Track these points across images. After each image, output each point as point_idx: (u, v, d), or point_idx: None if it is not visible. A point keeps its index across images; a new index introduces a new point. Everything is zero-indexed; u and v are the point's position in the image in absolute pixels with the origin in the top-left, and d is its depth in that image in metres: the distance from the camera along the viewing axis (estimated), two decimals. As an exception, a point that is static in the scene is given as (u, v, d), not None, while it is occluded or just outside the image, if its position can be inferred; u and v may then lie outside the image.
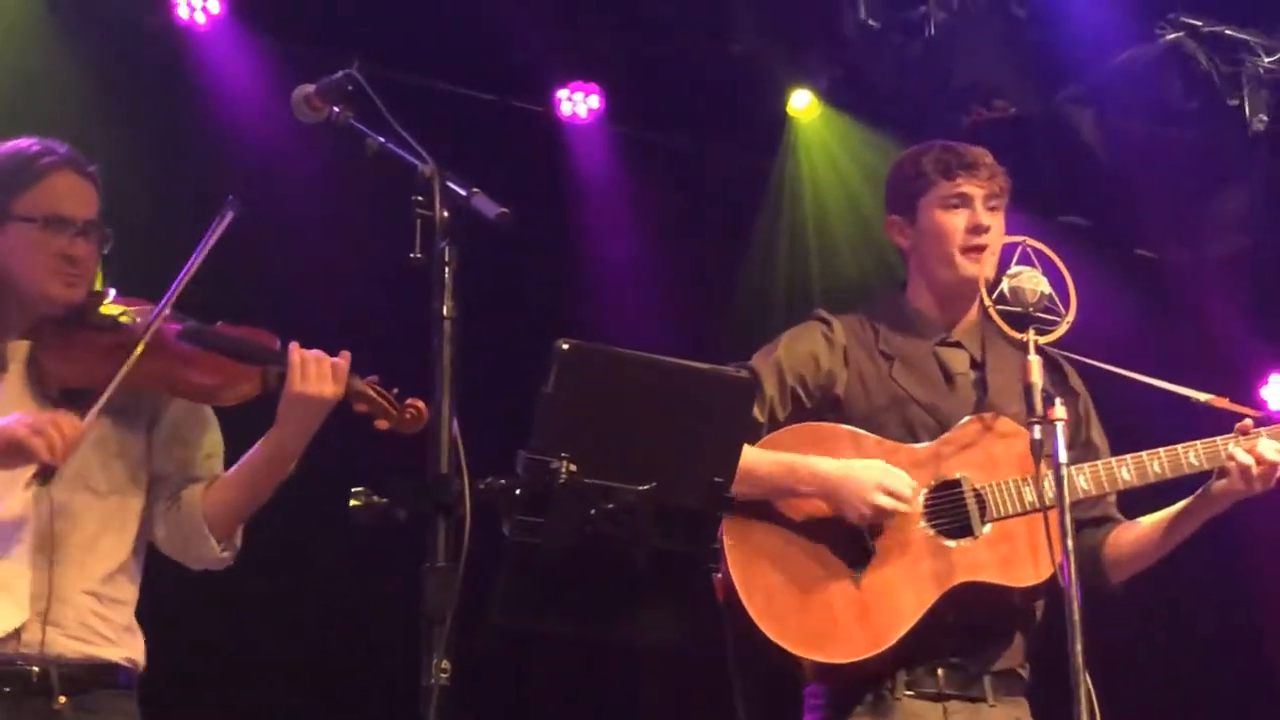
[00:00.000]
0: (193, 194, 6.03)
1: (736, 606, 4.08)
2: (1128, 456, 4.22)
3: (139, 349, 3.71)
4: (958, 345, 4.38)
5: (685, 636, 3.36)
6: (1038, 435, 3.90)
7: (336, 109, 3.52)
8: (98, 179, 3.92)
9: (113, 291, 3.91)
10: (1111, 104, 7.01)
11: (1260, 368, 7.61)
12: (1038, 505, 4.06)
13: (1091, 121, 7.09)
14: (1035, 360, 3.96)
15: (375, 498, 3.07)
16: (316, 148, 5.35)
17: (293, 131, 3.85)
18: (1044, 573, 4.08)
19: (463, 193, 3.24)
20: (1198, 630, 7.47)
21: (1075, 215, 7.45)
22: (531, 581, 3.19)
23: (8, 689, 3.66)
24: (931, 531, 4.14)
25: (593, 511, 3.12)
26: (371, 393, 3.85)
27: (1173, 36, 6.71)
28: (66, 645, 3.73)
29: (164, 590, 4.07)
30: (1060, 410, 3.91)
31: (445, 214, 3.20)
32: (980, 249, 4.28)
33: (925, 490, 4.18)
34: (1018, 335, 4.04)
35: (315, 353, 3.81)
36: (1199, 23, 6.74)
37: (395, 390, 3.86)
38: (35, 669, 3.69)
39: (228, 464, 4.00)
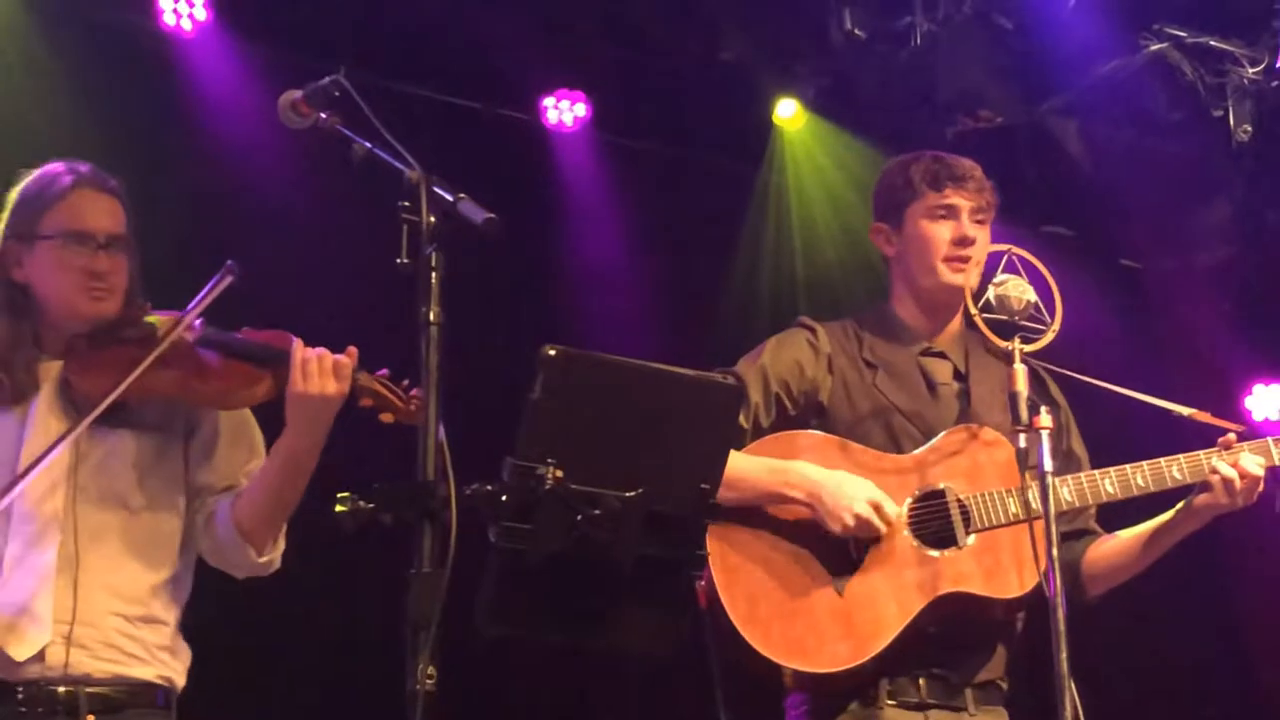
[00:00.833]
0: (180, 200, 6.05)
1: (719, 614, 4.08)
2: (1111, 469, 4.22)
3: (149, 359, 3.69)
4: (941, 355, 4.39)
5: (671, 643, 3.35)
6: (1023, 443, 3.90)
7: (324, 114, 3.52)
8: (121, 194, 3.93)
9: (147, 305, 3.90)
10: (1096, 114, 7.04)
11: (1244, 378, 7.63)
12: (1022, 516, 4.06)
13: (1076, 132, 7.12)
14: (1021, 369, 3.97)
15: (361, 503, 3.07)
16: (303, 154, 5.35)
17: (279, 138, 3.85)
18: (1028, 584, 4.08)
19: (449, 198, 3.24)
20: (1180, 645, 7.48)
21: (1060, 225, 7.48)
22: (517, 588, 3.18)
23: (39, 709, 3.65)
24: (916, 541, 4.15)
25: (579, 517, 3.12)
26: (378, 387, 3.85)
27: (1157, 47, 6.73)
28: (93, 666, 3.70)
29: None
30: (1046, 419, 3.92)
31: (432, 219, 3.20)
32: (963, 260, 4.29)
33: (910, 499, 4.18)
34: (1003, 343, 4.04)
35: (318, 350, 3.81)
36: (1183, 33, 6.76)
37: (405, 382, 3.85)
38: (62, 689, 3.67)
39: None
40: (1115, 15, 6.60)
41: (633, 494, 3.15)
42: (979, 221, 4.34)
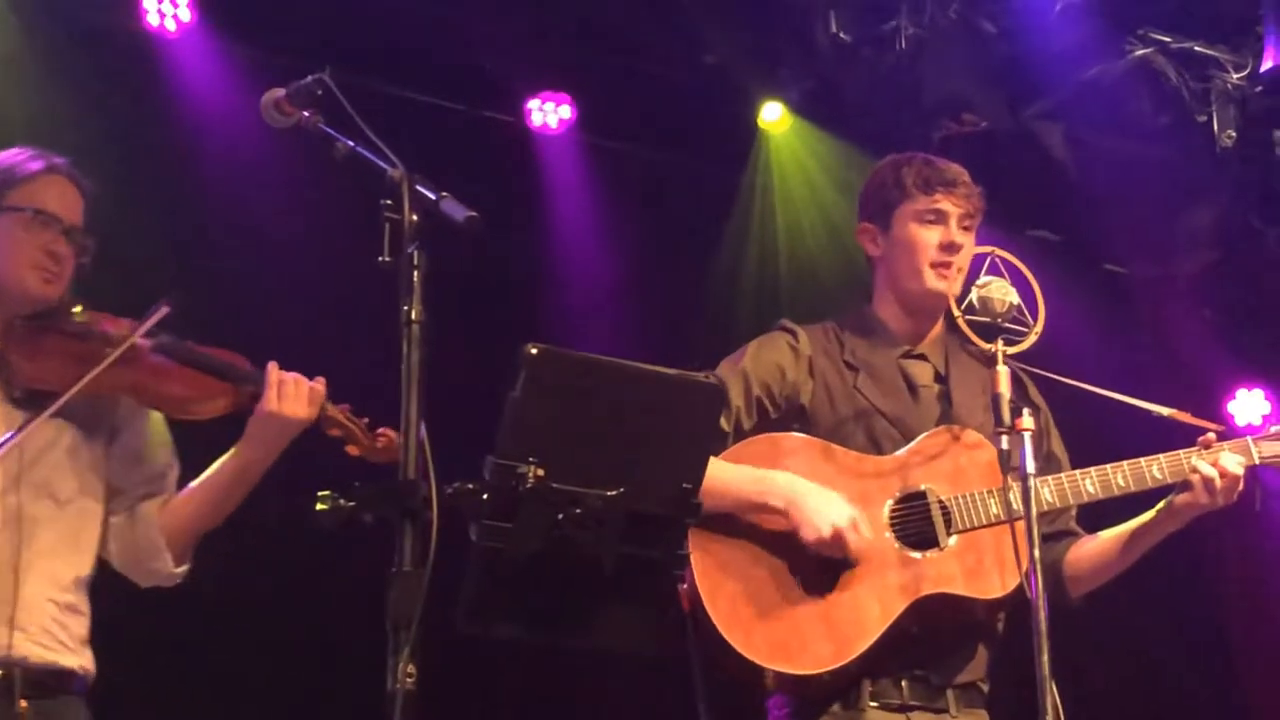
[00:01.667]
0: (162, 200, 6.05)
1: (701, 616, 4.07)
2: (1091, 469, 4.23)
3: (110, 358, 3.72)
4: (922, 358, 4.39)
5: (652, 643, 3.35)
6: (1005, 445, 3.90)
7: (306, 113, 3.52)
8: (89, 197, 3.99)
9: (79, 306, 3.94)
10: (1081, 119, 7.04)
11: (1227, 383, 7.65)
12: (1003, 517, 4.06)
13: (1061, 136, 7.12)
14: (1003, 371, 3.96)
15: (342, 501, 3.07)
16: (286, 154, 5.34)
17: (263, 138, 3.85)
18: (1010, 584, 4.08)
19: (432, 196, 3.24)
20: (1162, 644, 7.49)
21: (1044, 230, 7.48)
22: (498, 587, 3.18)
23: None
24: (898, 543, 4.14)
25: (560, 517, 3.12)
26: (343, 419, 3.93)
27: (1142, 52, 6.74)
28: (30, 650, 3.73)
29: (129, 594, 4.06)
30: (1028, 421, 3.92)
31: (414, 218, 3.20)
32: (949, 265, 4.29)
33: (891, 501, 4.18)
34: (986, 346, 4.04)
35: (293, 375, 3.88)
36: (1168, 39, 6.77)
37: (366, 420, 3.94)
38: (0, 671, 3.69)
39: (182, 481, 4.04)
40: (1100, 20, 6.61)
41: (614, 493, 3.15)
42: (966, 228, 4.34)
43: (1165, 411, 4.27)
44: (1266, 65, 6.66)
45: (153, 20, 6.28)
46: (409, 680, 2.98)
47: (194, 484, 4.00)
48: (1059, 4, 6.48)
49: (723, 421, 4.15)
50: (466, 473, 3.12)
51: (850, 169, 6.78)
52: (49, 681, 3.76)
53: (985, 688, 4.25)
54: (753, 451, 4.22)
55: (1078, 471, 4.24)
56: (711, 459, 3.61)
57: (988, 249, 4.22)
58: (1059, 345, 4.21)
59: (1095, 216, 7.40)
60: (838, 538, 4.04)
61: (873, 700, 4.12)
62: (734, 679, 4.11)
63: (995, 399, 3.94)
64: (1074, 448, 4.40)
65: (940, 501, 4.17)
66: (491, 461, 3.11)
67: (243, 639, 6.04)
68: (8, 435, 3.69)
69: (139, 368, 3.85)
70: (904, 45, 6.60)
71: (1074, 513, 4.36)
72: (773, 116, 7.31)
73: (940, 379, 4.37)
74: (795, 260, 7.46)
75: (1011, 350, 4.03)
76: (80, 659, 3.84)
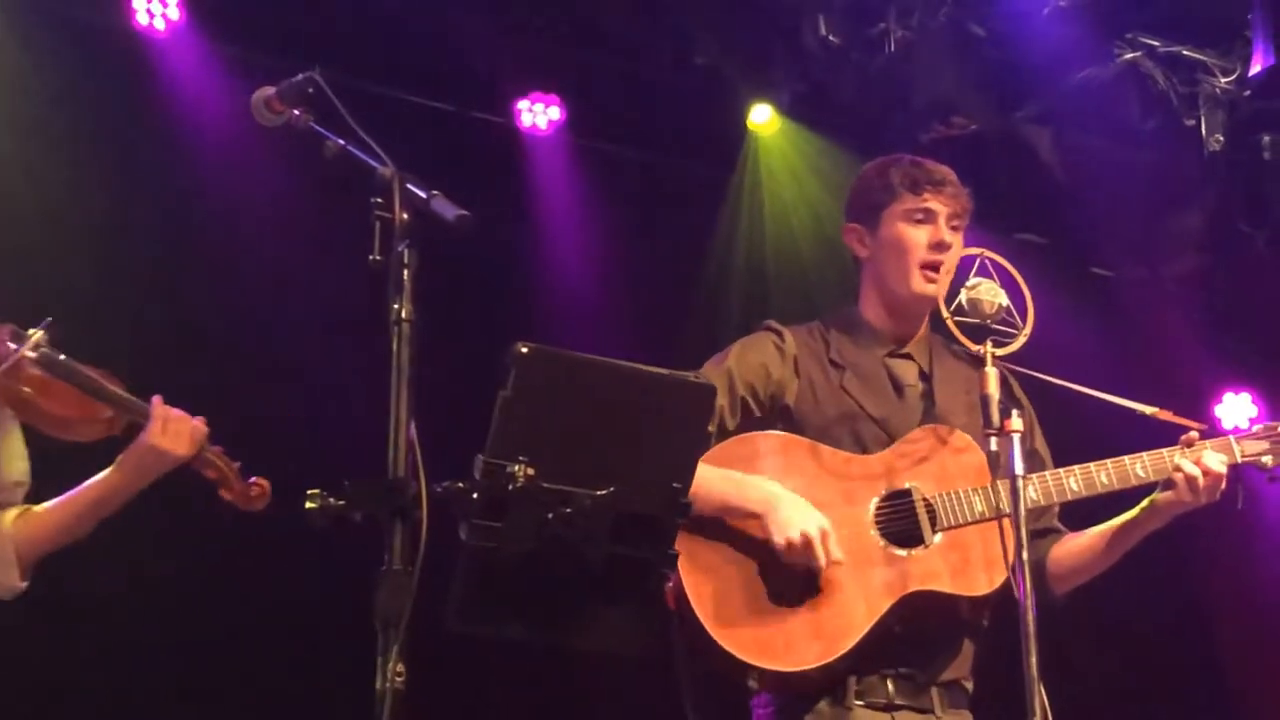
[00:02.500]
0: (152, 200, 6.04)
1: (688, 614, 4.07)
2: (1075, 467, 4.24)
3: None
4: (907, 357, 4.40)
5: (641, 643, 3.35)
6: (994, 447, 3.90)
7: (297, 112, 3.51)
8: None
9: None
10: (1069, 122, 7.06)
11: (1214, 386, 7.66)
12: (988, 514, 4.07)
13: (1049, 140, 7.13)
14: (992, 372, 3.96)
15: (331, 500, 3.06)
16: (276, 152, 5.34)
17: (252, 137, 3.84)
18: (996, 581, 4.09)
19: (422, 195, 3.24)
20: (1149, 642, 7.50)
21: (1032, 233, 7.49)
22: (487, 586, 3.18)
23: None
24: (883, 541, 4.15)
25: (550, 516, 3.12)
26: (219, 462, 3.97)
27: (1130, 56, 6.76)
28: None
29: (119, 594, 4.05)
30: (1017, 423, 3.92)
31: (404, 216, 3.20)
32: (938, 266, 4.29)
33: (876, 499, 4.19)
34: (974, 347, 4.04)
35: (178, 411, 3.91)
36: (1156, 43, 6.79)
37: (238, 464, 3.97)
38: None
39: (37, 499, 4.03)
40: (1089, 24, 6.62)
41: (604, 493, 3.15)
42: (954, 228, 4.35)
43: (1149, 410, 4.27)
44: (1254, 69, 6.68)
45: (142, 19, 6.27)
46: (398, 679, 2.97)
47: (54, 502, 3.98)
48: (1047, 7, 6.49)
49: (706, 422, 4.14)
50: (456, 472, 3.12)
51: (839, 171, 6.76)
52: None
53: (969, 685, 4.25)
54: (732, 453, 4.21)
55: (1062, 470, 4.25)
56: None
57: (977, 251, 4.22)
58: (1046, 348, 4.21)
59: (1083, 219, 7.42)
60: (807, 546, 4.03)
61: (859, 699, 4.12)
62: (720, 677, 4.11)
63: (984, 400, 3.93)
64: (1058, 446, 4.41)
65: (925, 499, 4.17)
66: (481, 460, 3.11)
67: (231, 637, 6.02)
68: None
69: (22, 378, 3.82)
70: (893, 48, 6.61)
71: (1057, 510, 4.37)
72: (762, 118, 7.31)
73: (924, 377, 4.37)
74: (784, 261, 7.46)
75: (1000, 352, 4.03)
76: None
